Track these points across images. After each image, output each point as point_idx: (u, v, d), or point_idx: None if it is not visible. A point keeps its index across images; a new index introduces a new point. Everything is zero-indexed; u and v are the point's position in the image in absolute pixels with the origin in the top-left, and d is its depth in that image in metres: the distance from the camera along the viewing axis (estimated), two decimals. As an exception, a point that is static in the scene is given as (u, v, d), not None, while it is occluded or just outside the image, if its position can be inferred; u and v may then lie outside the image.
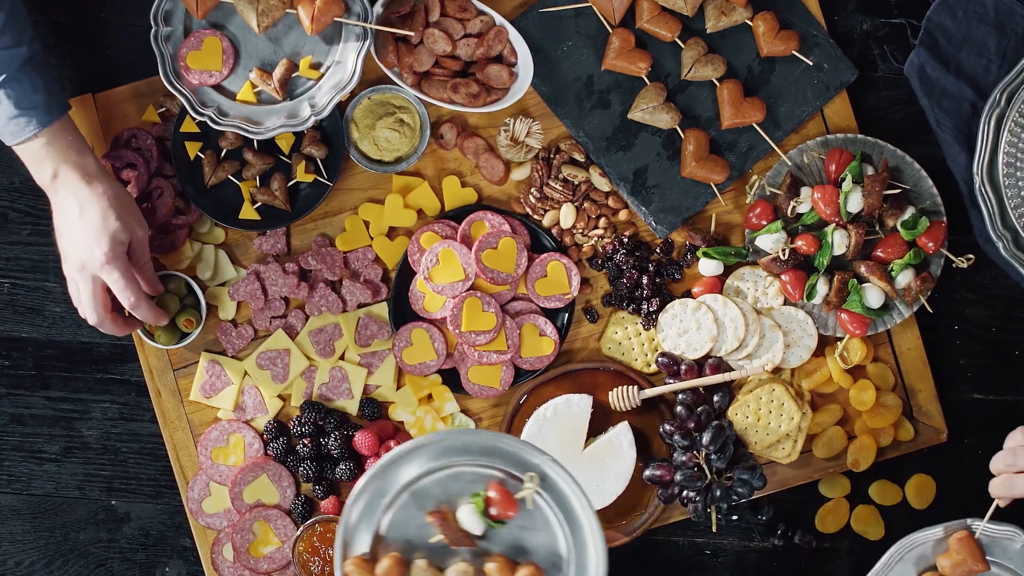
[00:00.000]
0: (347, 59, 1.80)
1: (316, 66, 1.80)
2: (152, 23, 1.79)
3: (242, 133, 1.79)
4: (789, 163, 1.88)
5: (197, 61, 1.80)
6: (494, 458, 1.58)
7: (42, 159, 1.70)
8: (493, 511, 1.56)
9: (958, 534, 1.76)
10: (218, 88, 1.82)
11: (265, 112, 1.81)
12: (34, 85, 1.68)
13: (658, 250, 1.92)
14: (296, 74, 1.81)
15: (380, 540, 1.58)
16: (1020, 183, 1.86)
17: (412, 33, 1.81)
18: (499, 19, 1.87)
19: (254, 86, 1.80)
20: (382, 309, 1.91)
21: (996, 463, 1.71)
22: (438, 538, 1.57)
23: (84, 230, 1.69)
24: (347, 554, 1.58)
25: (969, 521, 1.78)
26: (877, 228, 1.88)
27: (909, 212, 1.86)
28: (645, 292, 1.89)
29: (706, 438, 1.82)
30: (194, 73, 1.80)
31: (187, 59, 1.79)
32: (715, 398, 1.87)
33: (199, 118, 1.80)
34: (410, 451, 1.57)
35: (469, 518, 1.57)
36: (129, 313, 1.78)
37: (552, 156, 1.91)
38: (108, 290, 1.74)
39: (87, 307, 1.74)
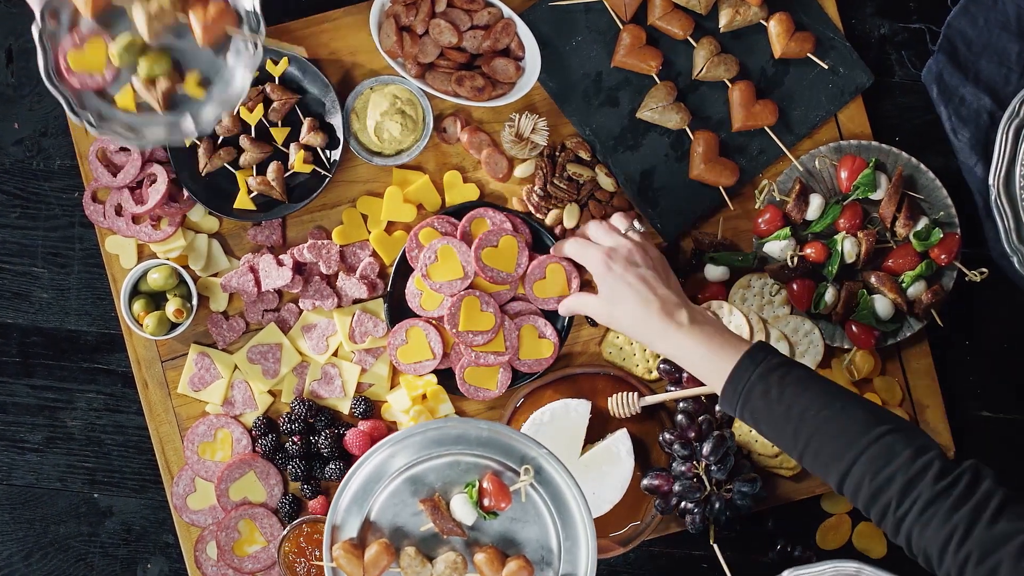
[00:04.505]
0: (236, 75, 1.70)
1: (203, 83, 1.71)
2: (39, 19, 1.68)
3: (122, 142, 1.71)
4: (800, 168, 1.85)
5: (79, 62, 1.71)
6: (491, 449, 1.60)
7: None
8: (486, 502, 1.58)
9: None
10: (99, 92, 1.72)
11: (145, 121, 1.72)
12: None
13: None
14: (181, 90, 1.71)
15: (369, 526, 1.61)
16: (1037, 196, 1.84)
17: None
18: (507, 11, 1.84)
19: (136, 94, 1.73)
20: (378, 306, 1.87)
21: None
22: (428, 526, 1.59)
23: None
24: (336, 538, 1.60)
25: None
26: (888, 238, 1.86)
27: (922, 223, 1.84)
28: (648, 296, 1.86)
29: (706, 448, 1.79)
30: (75, 75, 1.72)
31: (69, 58, 1.71)
32: (717, 407, 1.84)
33: (77, 121, 1.69)
34: (406, 437, 1.59)
35: (462, 508, 1.59)
36: None
37: (557, 154, 1.87)
38: None
39: None
